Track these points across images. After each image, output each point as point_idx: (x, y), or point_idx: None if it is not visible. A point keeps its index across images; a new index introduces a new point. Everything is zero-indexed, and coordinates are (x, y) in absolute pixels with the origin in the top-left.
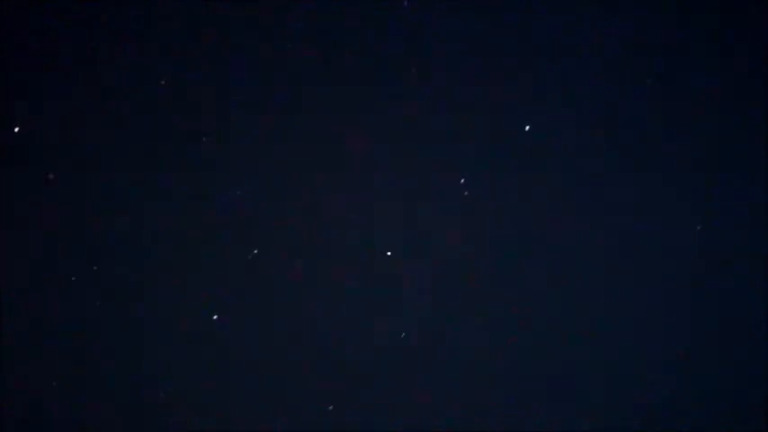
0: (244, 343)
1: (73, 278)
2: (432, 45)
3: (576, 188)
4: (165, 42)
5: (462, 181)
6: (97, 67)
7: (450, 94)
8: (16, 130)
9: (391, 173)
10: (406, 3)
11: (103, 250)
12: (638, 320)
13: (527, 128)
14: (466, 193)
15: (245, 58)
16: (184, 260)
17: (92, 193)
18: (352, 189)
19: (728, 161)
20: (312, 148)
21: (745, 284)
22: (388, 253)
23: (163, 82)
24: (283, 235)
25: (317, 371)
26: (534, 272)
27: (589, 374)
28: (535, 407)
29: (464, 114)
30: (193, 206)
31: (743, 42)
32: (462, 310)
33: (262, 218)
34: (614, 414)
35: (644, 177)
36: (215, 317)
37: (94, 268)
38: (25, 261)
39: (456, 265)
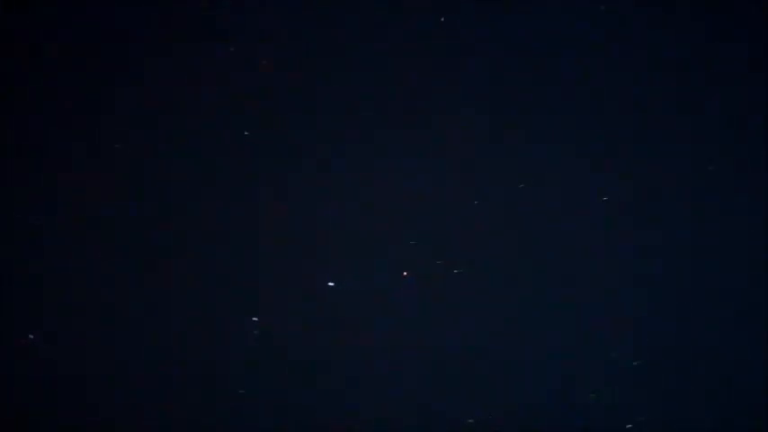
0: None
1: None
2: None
3: (575, 188)
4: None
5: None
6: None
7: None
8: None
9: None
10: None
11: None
12: (638, 321)
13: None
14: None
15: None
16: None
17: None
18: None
19: (729, 161)
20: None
21: (745, 284)
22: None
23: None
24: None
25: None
26: (534, 273)
27: (588, 374)
28: (534, 406)
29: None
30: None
31: (743, 43)
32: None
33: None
34: (612, 413)
35: (644, 178)
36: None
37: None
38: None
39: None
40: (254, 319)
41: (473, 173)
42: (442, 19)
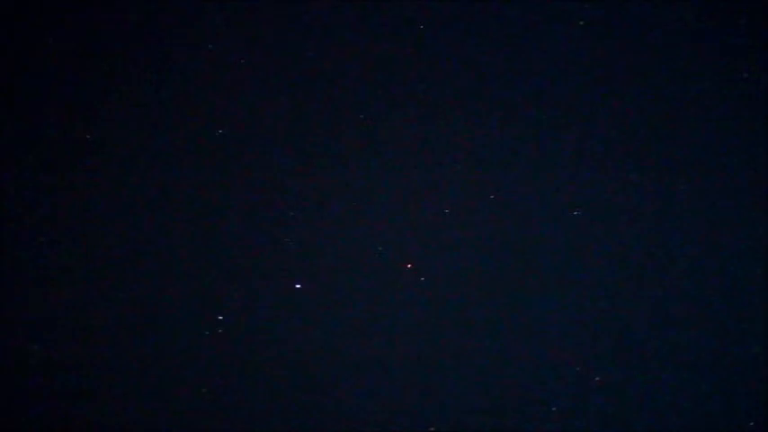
0: (248, 345)
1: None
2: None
3: (577, 189)
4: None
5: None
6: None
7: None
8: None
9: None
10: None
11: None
12: (639, 321)
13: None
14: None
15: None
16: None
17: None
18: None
19: (729, 161)
20: (317, 148)
21: (745, 284)
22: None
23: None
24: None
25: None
26: (534, 274)
27: (588, 374)
28: (535, 408)
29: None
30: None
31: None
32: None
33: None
34: (612, 414)
35: (644, 178)
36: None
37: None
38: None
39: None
40: (220, 317)
41: (473, 172)
42: (421, 26)
